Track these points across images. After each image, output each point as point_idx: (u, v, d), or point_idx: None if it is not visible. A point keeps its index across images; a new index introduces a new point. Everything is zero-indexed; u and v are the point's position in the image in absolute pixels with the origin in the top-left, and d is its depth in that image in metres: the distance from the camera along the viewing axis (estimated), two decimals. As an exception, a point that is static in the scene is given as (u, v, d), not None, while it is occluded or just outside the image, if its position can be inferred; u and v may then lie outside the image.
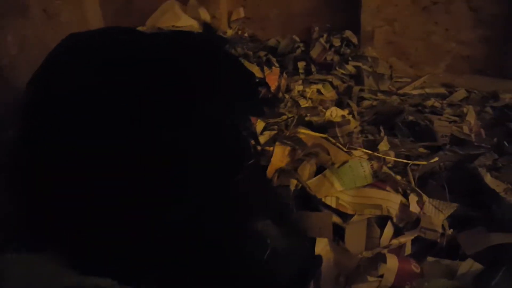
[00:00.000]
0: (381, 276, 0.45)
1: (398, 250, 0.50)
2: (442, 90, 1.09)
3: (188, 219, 0.47)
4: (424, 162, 0.64)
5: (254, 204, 0.52)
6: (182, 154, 0.49)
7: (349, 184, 0.54)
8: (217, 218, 0.47)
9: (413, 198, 0.54)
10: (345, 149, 0.61)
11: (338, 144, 0.63)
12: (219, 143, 0.53)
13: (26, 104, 0.53)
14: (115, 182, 0.45)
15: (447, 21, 1.20)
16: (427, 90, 1.08)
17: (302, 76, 1.15)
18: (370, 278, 0.45)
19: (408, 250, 0.51)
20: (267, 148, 0.63)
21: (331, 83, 1.09)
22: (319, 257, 0.49)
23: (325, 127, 0.70)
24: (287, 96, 1.05)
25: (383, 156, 0.61)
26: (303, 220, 0.53)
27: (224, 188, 0.50)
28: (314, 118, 0.72)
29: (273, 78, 1.15)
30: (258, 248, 0.46)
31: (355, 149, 0.62)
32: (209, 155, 0.50)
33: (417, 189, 0.56)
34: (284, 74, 1.14)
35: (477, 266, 0.49)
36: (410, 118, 0.92)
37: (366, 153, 0.61)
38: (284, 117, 0.78)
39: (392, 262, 0.46)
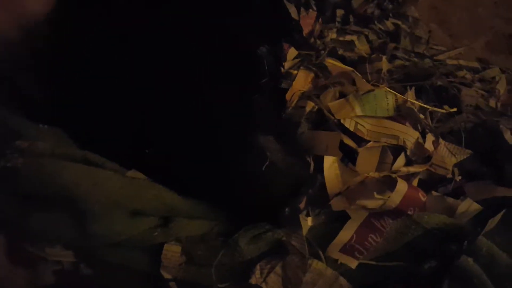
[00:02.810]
0: (386, 195, 0.47)
1: (406, 179, 0.51)
2: (476, 64, 1.06)
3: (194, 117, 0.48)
4: (444, 111, 0.64)
5: (259, 119, 0.53)
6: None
7: (370, 112, 0.55)
8: (222, 125, 0.48)
9: (430, 138, 0.55)
10: (371, 83, 0.61)
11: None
12: (237, 58, 0.53)
13: None
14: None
15: (498, -5, 1.15)
16: (461, 62, 1.06)
17: (338, 25, 1.13)
18: (376, 196, 0.46)
19: (415, 183, 0.52)
20: (291, 71, 0.63)
21: (366, 37, 1.06)
22: (315, 176, 0.51)
23: (356, 62, 0.69)
24: (319, 41, 1.04)
25: (407, 99, 0.61)
26: (311, 138, 0.54)
27: (232, 99, 0.51)
28: (348, 54, 0.71)
29: (308, 21, 1.13)
30: (257, 159, 0.48)
31: (379, 86, 0.62)
32: (225, 67, 0.51)
33: (435, 131, 0.57)
34: (320, 19, 1.11)
35: (476, 206, 0.50)
36: (439, 83, 0.91)
37: (392, 91, 0.60)
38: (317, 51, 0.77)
39: (402, 186, 0.47)
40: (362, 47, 1.07)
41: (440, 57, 1.07)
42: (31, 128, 0.50)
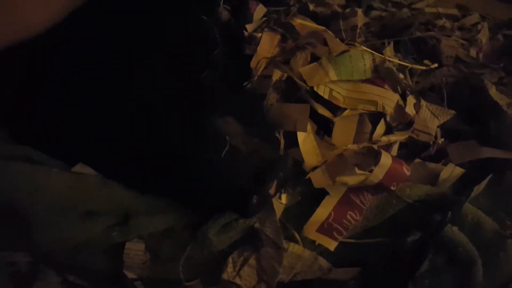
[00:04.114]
0: (370, 171, 0.43)
1: (386, 149, 0.47)
2: (455, 12, 1.02)
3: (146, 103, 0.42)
4: (424, 67, 0.60)
5: (213, 99, 0.47)
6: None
7: (345, 75, 0.50)
8: (173, 110, 0.43)
9: (411, 100, 0.51)
10: (345, 43, 0.56)
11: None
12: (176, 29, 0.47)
13: None
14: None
15: None
16: (440, 10, 1.01)
17: (310, -25, 1.05)
18: (358, 171, 0.43)
19: (394, 151, 0.49)
20: (256, 34, 0.57)
21: (340, -14, 0.99)
22: (284, 157, 0.46)
23: (328, 20, 0.63)
24: (291, -5, 0.96)
25: (384, 57, 0.56)
26: (279, 112, 0.48)
27: (183, 79, 0.45)
28: (320, 9, 0.65)
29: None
30: (215, 145, 0.43)
31: (354, 44, 0.57)
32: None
33: (416, 92, 0.53)
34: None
35: (459, 170, 0.47)
36: (418, 34, 0.86)
37: (367, 50, 0.55)
38: (287, 7, 0.71)
39: (386, 159, 0.43)
40: (336, -2, 1.00)
41: (418, 5, 1.01)
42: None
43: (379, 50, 0.71)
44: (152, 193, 0.45)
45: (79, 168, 0.43)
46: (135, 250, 0.42)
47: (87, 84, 0.41)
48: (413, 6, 1.00)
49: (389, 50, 0.67)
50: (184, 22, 0.48)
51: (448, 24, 0.93)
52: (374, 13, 0.95)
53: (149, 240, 0.44)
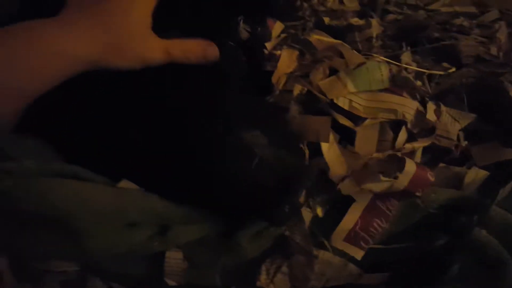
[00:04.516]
0: (395, 177, 0.44)
1: (410, 156, 0.48)
2: (472, 9, 1.01)
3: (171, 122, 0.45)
4: (442, 72, 0.61)
5: (242, 114, 0.49)
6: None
7: (363, 87, 0.51)
8: (201, 125, 0.45)
9: (430, 106, 0.52)
10: (362, 55, 0.58)
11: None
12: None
13: None
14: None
15: None
16: (457, 8, 1.01)
17: (323, -17, 1.07)
18: (382, 178, 0.44)
19: (417, 158, 0.50)
20: (275, 52, 0.59)
21: (354, -8, 1.01)
22: (310, 167, 0.48)
23: (344, 32, 0.65)
24: (305, 5, 0.98)
25: (401, 65, 0.58)
26: (302, 124, 0.50)
27: (209, 95, 0.48)
28: (334, 22, 0.67)
29: (291, -16, 1.07)
30: (245, 157, 0.45)
31: (371, 55, 0.58)
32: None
33: (435, 98, 0.54)
34: (304, -20, 1.05)
35: (483, 173, 0.48)
36: (435, 35, 0.87)
37: (384, 59, 0.57)
38: (303, 21, 0.73)
39: (410, 166, 0.44)
40: (350, 5, 1.01)
41: (434, 5, 1.01)
42: (17, 145, 0.47)
43: (397, 55, 0.73)
44: (187, 204, 0.47)
45: (123, 183, 0.45)
46: (174, 258, 0.44)
47: (124, 109, 0.44)
48: (429, 7, 1.00)
49: (406, 56, 0.68)
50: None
51: (466, 23, 0.92)
52: (390, 16, 0.96)
53: (187, 248, 0.46)
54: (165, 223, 0.46)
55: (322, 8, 0.93)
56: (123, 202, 0.45)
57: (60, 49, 0.36)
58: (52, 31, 0.36)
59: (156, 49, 0.42)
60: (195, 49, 0.45)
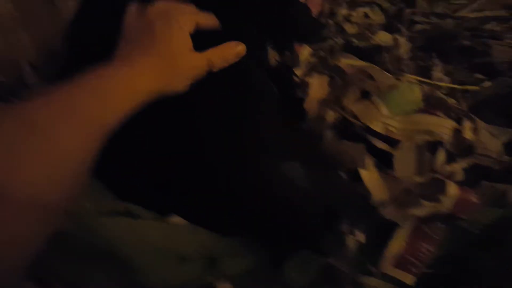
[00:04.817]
0: (437, 200, 0.44)
1: (450, 177, 0.48)
2: (503, 13, 0.98)
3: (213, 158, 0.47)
4: (477, 88, 0.60)
5: (281, 146, 0.51)
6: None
7: (397, 110, 0.52)
8: (241, 160, 0.47)
9: (467, 124, 0.51)
10: (392, 75, 0.58)
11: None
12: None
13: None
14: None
15: None
16: (487, 13, 0.98)
17: (347, -2, 1.08)
18: (425, 203, 0.44)
19: (459, 176, 0.50)
20: (305, 79, 0.60)
21: (379, 6, 1.01)
22: (351, 194, 0.49)
23: (372, 53, 0.65)
24: (330, 21, 0.99)
25: (434, 83, 0.57)
26: (337, 151, 0.51)
27: (245, 129, 0.49)
28: (362, 43, 0.67)
29: (315, 2, 1.08)
30: (285, 190, 0.46)
31: (403, 74, 0.58)
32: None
33: (471, 115, 0.53)
34: (328, -4, 1.06)
35: (526, 188, 0.47)
36: (465, 42, 0.85)
37: (416, 78, 0.57)
38: (331, 41, 0.74)
39: (453, 189, 0.44)
40: (376, 18, 1.01)
41: (463, 12, 0.99)
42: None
43: (428, 66, 0.72)
44: (234, 236, 0.49)
45: (172, 218, 0.48)
46: None
47: (169, 148, 0.46)
48: (457, 14, 0.98)
49: (437, 70, 0.67)
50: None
51: (497, 27, 0.91)
52: (417, 27, 0.95)
53: (235, 280, 0.47)
54: (213, 256, 0.48)
55: (347, 25, 0.94)
56: (174, 237, 0.47)
57: (128, 85, 0.38)
58: (118, 71, 0.39)
59: (200, 64, 0.44)
60: (229, 52, 0.47)
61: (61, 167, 0.30)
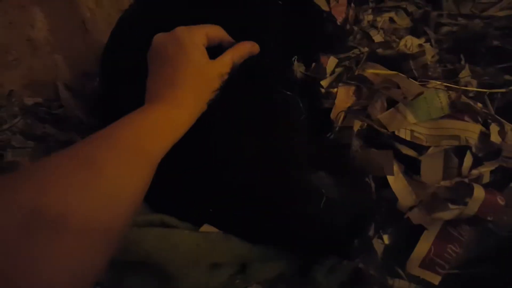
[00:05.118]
0: (464, 204, 0.46)
1: (477, 180, 0.49)
2: (534, 9, 0.97)
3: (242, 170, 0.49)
4: (504, 90, 0.60)
5: (308, 156, 0.52)
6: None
7: (423, 117, 0.53)
8: (271, 173, 0.49)
9: (494, 128, 0.52)
10: (418, 82, 0.59)
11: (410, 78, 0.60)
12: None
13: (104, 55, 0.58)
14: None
15: None
16: (517, 10, 0.97)
17: (372, 4, 1.09)
18: (452, 206, 0.46)
19: (486, 178, 0.50)
20: (332, 90, 0.62)
21: (405, 9, 1.02)
22: (377, 200, 0.50)
23: (398, 60, 0.67)
24: (356, 28, 1.01)
25: (460, 88, 0.58)
26: (365, 159, 0.53)
27: (272, 141, 0.51)
28: (388, 51, 0.69)
29: (340, 9, 1.10)
30: (314, 199, 0.48)
31: (427, 81, 0.59)
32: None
33: (498, 117, 0.54)
34: (352, 4, 1.08)
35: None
36: (495, 43, 0.85)
37: (442, 84, 0.58)
38: (356, 50, 0.76)
39: (478, 192, 0.46)
40: (402, 22, 1.02)
41: (491, 11, 0.98)
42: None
43: (456, 70, 0.72)
44: (264, 243, 0.52)
45: (205, 228, 0.51)
46: None
47: (197, 159, 0.49)
48: (485, 13, 0.97)
49: (465, 73, 0.68)
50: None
51: (527, 25, 0.89)
52: (444, 29, 0.95)
53: (266, 285, 0.50)
54: (244, 262, 0.51)
55: (373, 31, 0.95)
56: (206, 245, 0.50)
57: (168, 122, 0.41)
58: (154, 110, 0.42)
59: (222, 70, 0.46)
60: (246, 49, 0.49)
61: (116, 197, 0.32)
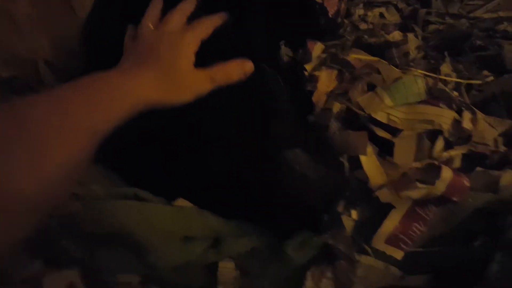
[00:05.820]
0: (432, 184, 0.47)
1: (448, 163, 0.51)
2: (517, 14, 1.00)
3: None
4: (479, 82, 0.62)
5: (285, 135, 0.54)
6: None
7: (400, 100, 0.55)
8: (248, 147, 0.50)
9: (467, 115, 0.54)
10: (399, 70, 0.61)
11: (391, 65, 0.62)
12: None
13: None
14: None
15: None
16: (501, 14, 1.00)
17: (364, -1, 1.11)
18: (420, 185, 0.47)
19: (457, 163, 0.52)
20: (315, 73, 0.63)
21: (395, 6, 1.04)
22: (349, 178, 0.51)
23: (382, 48, 0.69)
24: (346, 21, 1.03)
25: (438, 76, 0.60)
26: (341, 139, 0.54)
27: (255, 119, 0.52)
28: (373, 39, 0.71)
29: (332, 2, 1.11)
30: (288, 175, 0.49)
31: (408, 68, 0.61)
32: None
33: (472, 106, 0.56)
34: (344, -3, 1.09)
35: (518, 175, 0.49)
36: (478, 43, 0.87)
37: (421, 72, 0.60)
38: (344, 39, 0.77)
39: (446, 173, 0.47)
40: (391, 18, 1.04)
41: (477, 13, 1.01)
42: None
43: (438, 66, 0.75)
44: (237, 218, 0.53)
45: (179, 202, 0.52)
46: (227, 268, 0.49)
47: (176, 136, 0.50)
48: (471, 14, 1.00)
49: (446, 67, 0.70)
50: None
51: (510, 28, 0.92)
52: (432, 27, 0.97)
53: (238, 259, 0.51)
54: (217, 236, 0.52)
55: (363, 25, 0.97)
56: (180, 219, 0.51)
57: (125, 94, 0.39)
58: (116, 79, 0.40)
59: (203, 80, 0.46)
60: (235, 69, 0.48)
61: (48, 165, 0.29)
